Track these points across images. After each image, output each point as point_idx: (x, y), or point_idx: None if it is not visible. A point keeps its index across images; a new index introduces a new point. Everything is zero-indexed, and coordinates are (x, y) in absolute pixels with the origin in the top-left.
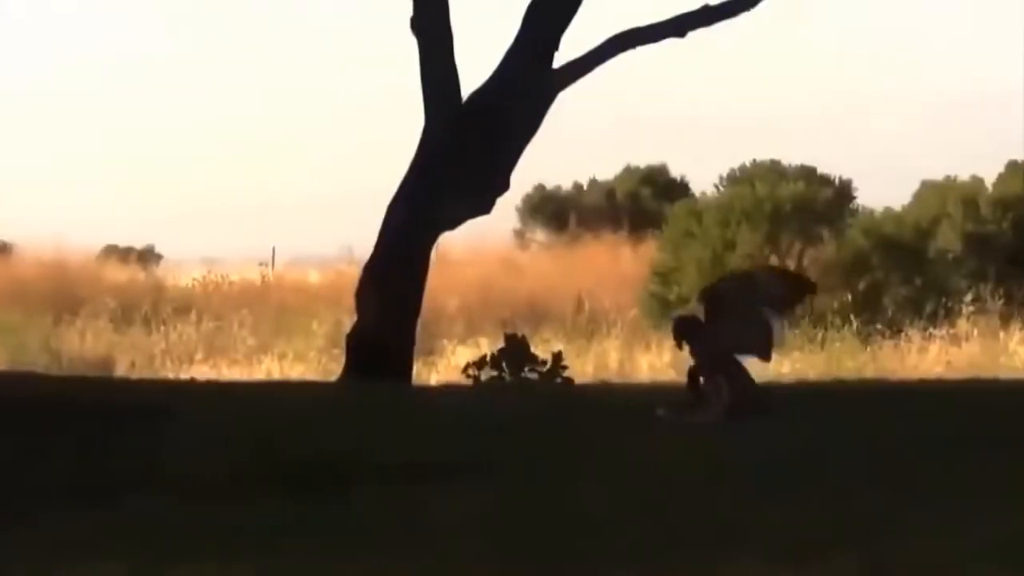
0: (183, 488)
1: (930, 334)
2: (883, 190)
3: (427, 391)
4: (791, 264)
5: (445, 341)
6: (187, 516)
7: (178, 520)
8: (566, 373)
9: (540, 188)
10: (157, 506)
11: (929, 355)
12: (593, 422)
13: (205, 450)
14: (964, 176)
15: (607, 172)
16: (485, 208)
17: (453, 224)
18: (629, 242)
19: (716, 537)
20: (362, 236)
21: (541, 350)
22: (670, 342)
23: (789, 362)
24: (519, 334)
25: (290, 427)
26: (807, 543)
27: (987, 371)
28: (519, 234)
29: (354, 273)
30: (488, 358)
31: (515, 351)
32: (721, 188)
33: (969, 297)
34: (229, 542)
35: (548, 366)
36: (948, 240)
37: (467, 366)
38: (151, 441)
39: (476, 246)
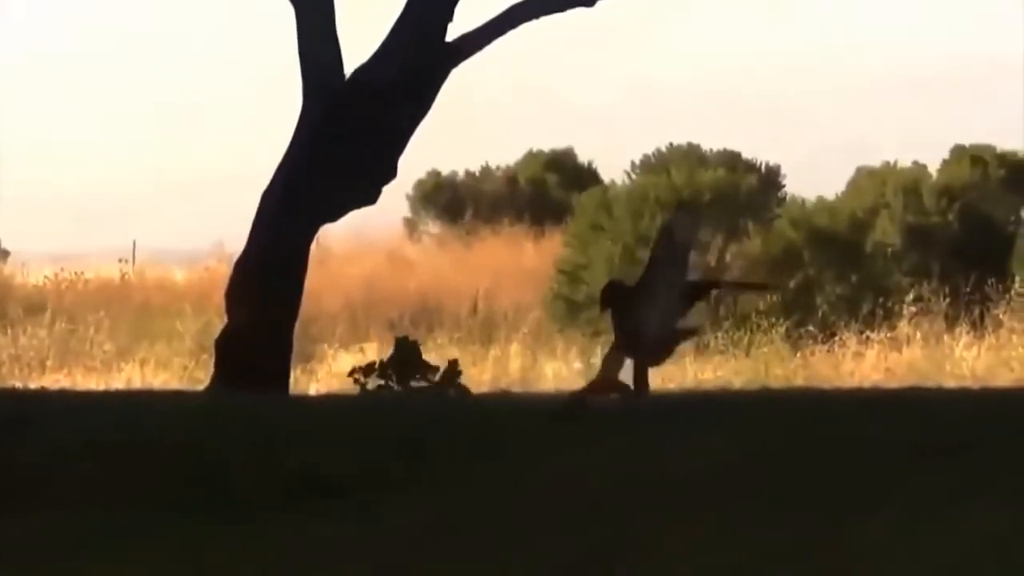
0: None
1: (867, 338)
2: (815, 178)
3: (305, 401)
4: (711, 260)
5: (326, 346)
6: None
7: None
8: (461, 381)
9: (434, 174)
10: None
11: (866, 361)
12: (489, 436)
13: (56, 464)
14: (905, 162)
15: (508, 157)
16: (370, 197)
17: (335, 215)
18: (532, 235)
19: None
20: (233, 229)
21: (434, 356)
22: (579, 346)
23: (711, 368)
24: (410, 339)
25: (156, 442)
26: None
27: (930, 379)
28: (410, 225)
29: (224, 270)
30: (377, 365)
31: (405, 358)
32: (634, 175)
33: (910, 296)
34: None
35: (441, 374)
36: (887, 233)
37: (353, 370)
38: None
39: (361, 239)
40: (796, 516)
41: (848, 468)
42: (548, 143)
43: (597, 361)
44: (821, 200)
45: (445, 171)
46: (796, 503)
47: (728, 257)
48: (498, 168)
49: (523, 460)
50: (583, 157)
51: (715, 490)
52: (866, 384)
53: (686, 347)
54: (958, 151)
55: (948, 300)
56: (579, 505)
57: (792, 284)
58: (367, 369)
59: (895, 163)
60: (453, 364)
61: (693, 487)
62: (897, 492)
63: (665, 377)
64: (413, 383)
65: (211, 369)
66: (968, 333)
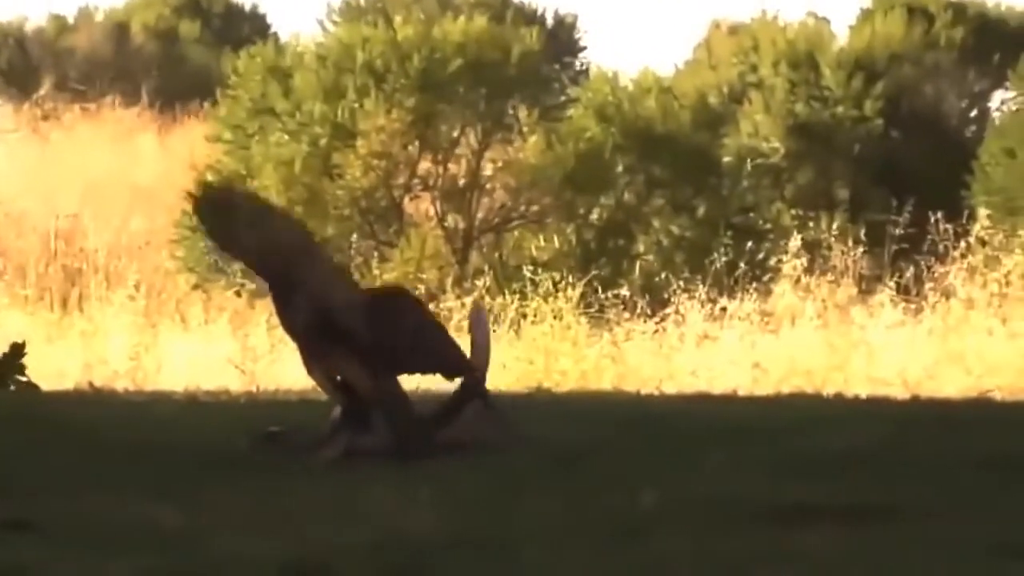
0: None
1: (722, 310)
2: (638, 39)
3: None
4: (453, 170)
5: None
6: None
7: None
8: (26, 375)
9: None
10: None
11: (719, 349)
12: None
13: None
14: (793, 17)
15: None
16: None
17: None
18: (155, 121)
19: None
20: None
21: None
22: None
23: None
24: None
25: None
26: None
27: (829, 383)
28: None
29: None
30: None
31: None
32: (329, 25)
33: (796, 241)
34: None
35: None
36: (759, 132)
37: None
38: None
39: None
40: None
41: None
42: None
43: None
44: (647, 76)
45: (5, 17)
46: None
47: (486, 170)
48: (98, 11)
49: None
50: None
51: None
52: (716, 389)
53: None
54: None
55: (863, 250)
56: None
57: (594, 218)
58: None
59: (775, 17)
60: (16, 349)
61: None
62: None
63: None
64: None
65: None
66: (896, 305)
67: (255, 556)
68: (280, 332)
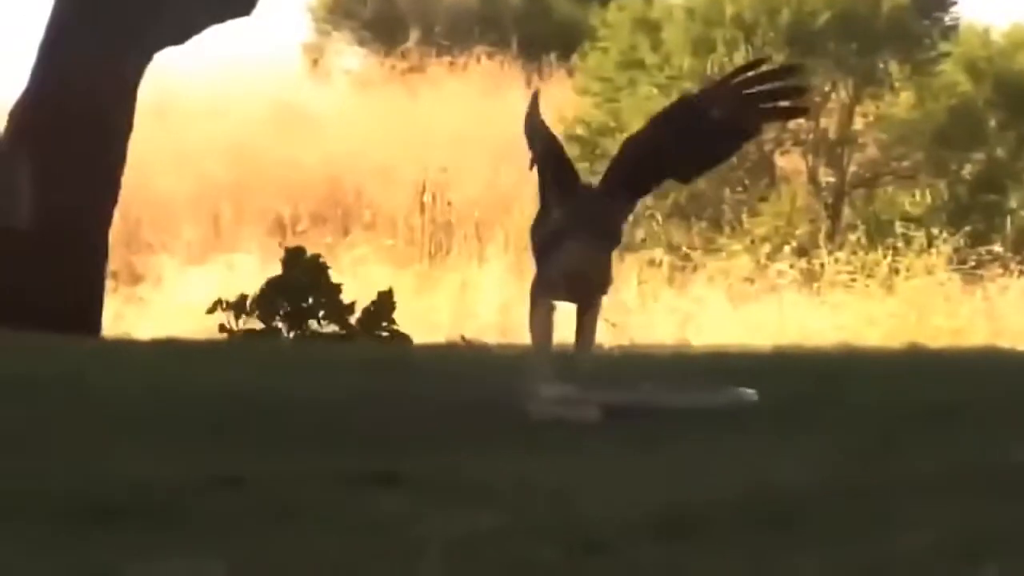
0: None
1: None
2: None
3: (126, 352)
4: (824, 125)
5: (166, 257)
6: None
7: None
8: (397, 325)
9: None
10: None
11: None
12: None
13: None
14: None
15: None
16: (240, 5)
17: (179, 37)
18: (522, 74)
19: None
20: None
21: (350, 279)
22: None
23: (826, 310)
24: (308, 251)
25: None
26: None
27: None
28: (312, 56)
29: None
30: (253, 297)
31: (300, 283)
32: None
33: None
34: None
35: (364, 313)
36: None
37: (216, 305)
38: None
39: (231, 80)
40: None
41: None
42: None
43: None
44: (1019, 30)
45: None
46: None
47: (856, 123)
48: None
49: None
50: None
51: None
52: None
53: (782, 279)
54: None
55: None
56: None
57: (966, 173)
58: (238, 305)
59: None
60: (385, 297)
61: None
62: None
63: (749, 324)
64: (315, 326)
65: None
66: None
67: (625, 509)
68: (648, 287)
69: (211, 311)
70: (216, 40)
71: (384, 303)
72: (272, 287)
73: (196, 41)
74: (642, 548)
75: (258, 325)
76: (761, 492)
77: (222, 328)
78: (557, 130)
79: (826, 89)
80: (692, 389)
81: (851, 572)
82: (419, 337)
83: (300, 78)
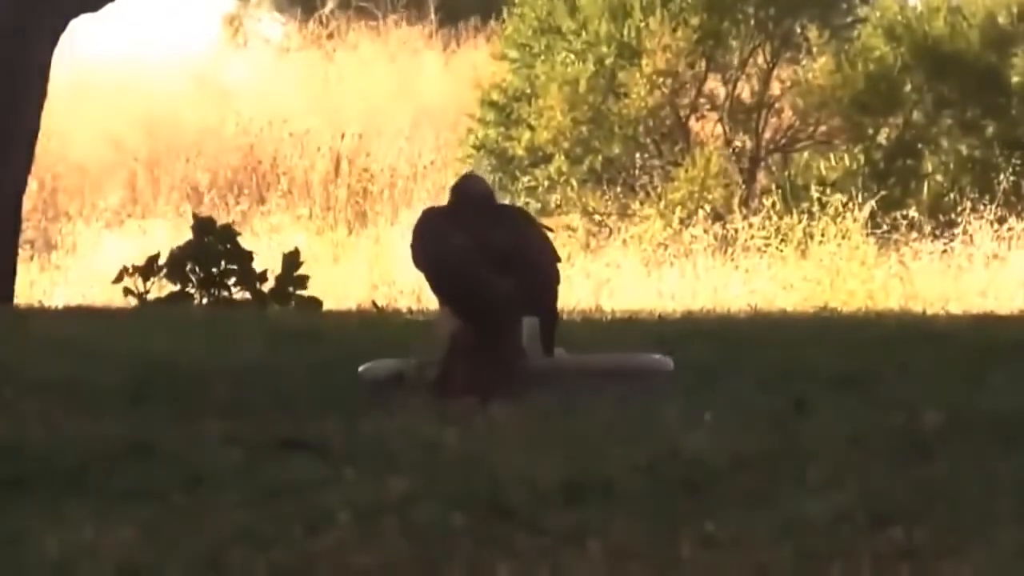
0: None
1: (1009, 231)
2: None
3: (37, 320)
4: (740, 90)
5: (80, 223)
6: None
7: None
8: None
9: None
10: None
11: (1008, 270)
12: None
13: None
14: None
15: None
16: None
17: (94, 4)
18: (439, 41)
19: None
20: None
21: (265, 246)
22: None
23: (739, 276)
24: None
25: None
26: None
27: None
28: (231, 25)
29: None
30: (163, 261)
31: (211, 248)
32: None
33: None
34: None
35: (275, 277)
36: None
37: (124, 272)
38: None
39: (148, 52)
40: None
41: None
42: None
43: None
44: None
45: None
46: None
47: (774, 89)
48: None
49: None
50: None
51: None
52: (1004, 310)
53: (696, 243)
54: None
55: None
56: None
57: (882, 138)
58: (146, 268)
59: None
60: (291, 258)
61: None
62: None
63: (663, 289)
64: (224, 291)
65: None
66: None
67: (535, 475)
68: (564, 252)
69: (117, 280)
70: (136, 8)
71: (290, 264)
72: (182, 253)
73: (114, 8)
74: (552, 513)
75: (172, 289)
76: (671, 458)
77: (128, 291)
78: (474, 96)
79: (744, 55)
80: (606, 355)
81: (761, 537)
82: (336, 304)
83: (220, 47)
